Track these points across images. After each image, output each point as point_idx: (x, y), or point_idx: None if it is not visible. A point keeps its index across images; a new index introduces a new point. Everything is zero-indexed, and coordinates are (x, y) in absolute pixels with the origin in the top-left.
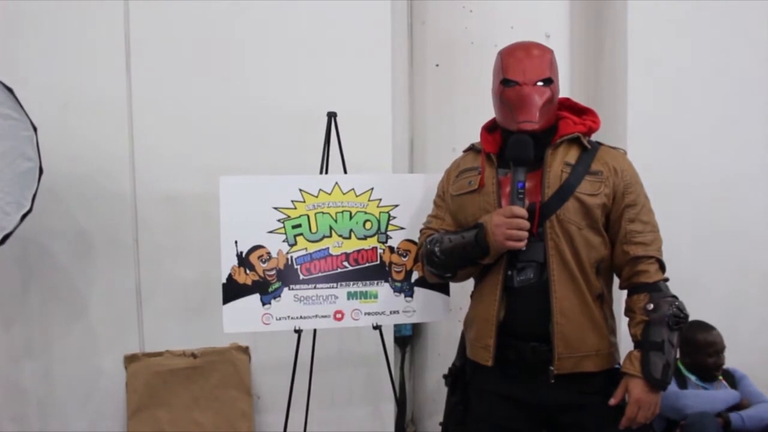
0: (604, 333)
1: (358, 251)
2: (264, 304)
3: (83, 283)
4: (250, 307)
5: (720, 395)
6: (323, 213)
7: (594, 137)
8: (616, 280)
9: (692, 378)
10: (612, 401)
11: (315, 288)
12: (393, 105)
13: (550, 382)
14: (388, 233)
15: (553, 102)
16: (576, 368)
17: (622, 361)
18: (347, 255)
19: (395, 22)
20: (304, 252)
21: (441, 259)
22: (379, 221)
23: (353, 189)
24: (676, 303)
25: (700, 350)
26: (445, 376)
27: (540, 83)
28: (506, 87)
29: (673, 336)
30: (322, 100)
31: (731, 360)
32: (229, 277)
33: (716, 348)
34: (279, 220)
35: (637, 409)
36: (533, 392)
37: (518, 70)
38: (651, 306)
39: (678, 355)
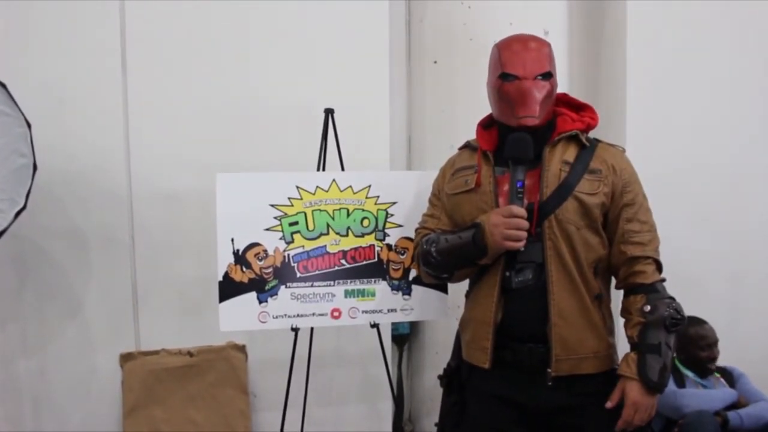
0: (602, 334)
1: (356, 249)
2: (261, 302)
3: (79, 281)
4: (247, 306)
5: (718, 394)
6: (320, 210)
7: (593, 134)
8: (614, 281)
9: (689, 374)
10: (608, 404)
11: (312, 286)
12: (391, 102)
13: (548, 384)
14: (386, 231)
15: (552, 96)
16: (574, 370)
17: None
18: (344, 253)
19: (393, 19)
20: (301, 250)
21: (438, 260)
22: (376, 219)
23: (351, 186)
24: (674, 305)
25: (692, 344)
26: (440, 377)
27: (539, 77)
28: (505, 81)
29: (670, 338)
30: (319, 96)
31: (730, 358)
32: (226, 275)
33: (708, 341)
34: (276, 218)
35: (633, 412)
36: (530, 394)
37: (518, 64)
38: (648, 308)
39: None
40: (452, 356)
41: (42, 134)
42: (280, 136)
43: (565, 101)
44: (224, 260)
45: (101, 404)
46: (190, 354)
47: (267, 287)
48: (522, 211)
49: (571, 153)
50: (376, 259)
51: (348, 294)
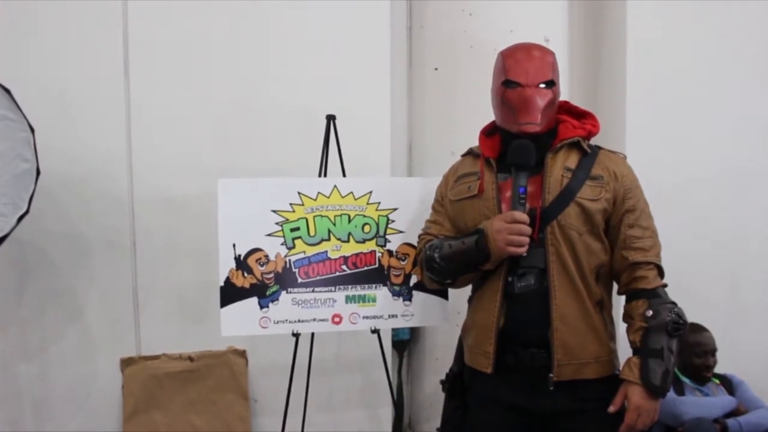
0: (603, 340)
1: (357, 255)
2: (262, 307)
3: (80, 285)
4: (248, 311)
5: (717, 401)
6: (322, 216)
7: (593, 141)
8: (616, 286)
9: (687, 381)
10: (611, 408)
11: (313, 291)
12: (392, 108)
13: (550, 389)
14: (387, 237)
15: (554, 104)
16: (576, 375)
17: (621, 367)
18: (346, 258)
19: (394, 25)
20: (302, 255)
21: (441, 266)
22: (377, 225)
23: (352, 192)
24: (675, 309)
25: (688, 350)
26: (442, 382)
27: (542, 85)
28: (508, 88)
29: (672, 343)
30: (321, 102)
31: (729, 366)
32: (227, 280)
33: (704, 348)
34: (277, 223)
35: (636, 416)
36: (532, 399)
37: (521, 72)
38: (650, 312)
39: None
40: (454, 361)
41: (44, 138)
42: (281, 142)
43: (567, 109)
44: (226, 265)
45: (102, 408)
46: (190, 359)
47: (268, 292)
48: (524, 217)
49: (573, 160)
50: (377, 265)
51: (349, 300)
